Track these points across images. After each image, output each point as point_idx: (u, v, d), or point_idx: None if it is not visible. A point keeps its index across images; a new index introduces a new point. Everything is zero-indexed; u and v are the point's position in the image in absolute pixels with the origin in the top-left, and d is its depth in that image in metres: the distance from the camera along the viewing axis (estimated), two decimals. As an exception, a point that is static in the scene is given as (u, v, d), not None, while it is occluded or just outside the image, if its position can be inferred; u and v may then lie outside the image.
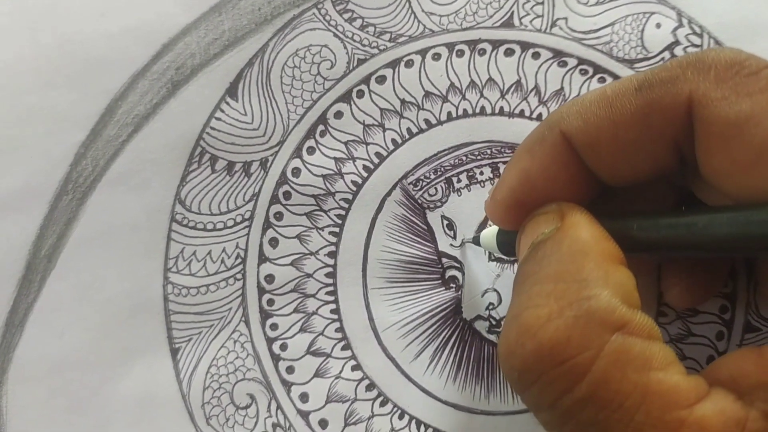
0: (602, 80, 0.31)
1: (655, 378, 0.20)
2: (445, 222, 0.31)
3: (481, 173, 0.31)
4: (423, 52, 0.32)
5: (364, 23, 0.32)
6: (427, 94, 0.31)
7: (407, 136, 0.31)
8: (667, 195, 0.27)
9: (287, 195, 0.31)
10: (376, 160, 0.31)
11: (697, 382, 0.20)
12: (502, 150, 0.31)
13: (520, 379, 0.21)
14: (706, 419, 0.19)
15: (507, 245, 0.27)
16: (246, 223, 0.31)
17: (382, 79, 0.32)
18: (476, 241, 0.30)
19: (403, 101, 0.31)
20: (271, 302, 0.31)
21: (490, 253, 0.31)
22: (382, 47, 0.32)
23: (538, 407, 0.21)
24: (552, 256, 0.22)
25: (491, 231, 0.28)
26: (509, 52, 0.31)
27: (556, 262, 0.22)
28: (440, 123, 0.31)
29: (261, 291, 0.31)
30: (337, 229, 0.31)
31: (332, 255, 0.31)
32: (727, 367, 0.22)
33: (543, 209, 0.24)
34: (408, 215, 0.31)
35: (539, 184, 0.24)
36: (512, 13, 0.32)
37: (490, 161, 0.31)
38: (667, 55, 0.31)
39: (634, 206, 0.26)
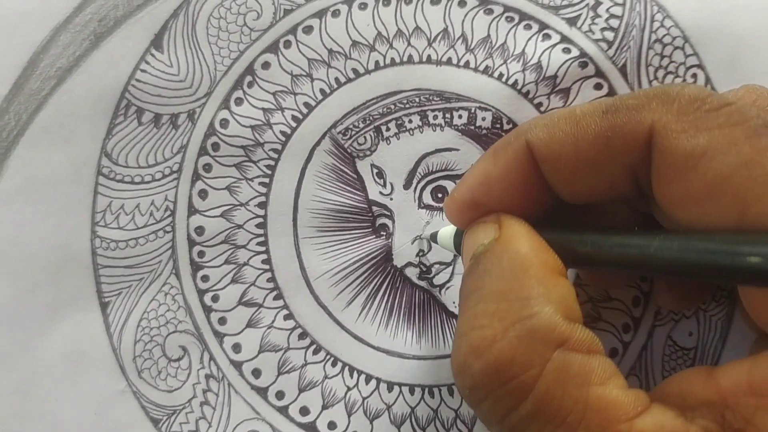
0: (528, 27, 0.31)
1: (594, 393, 0.20)
2: (375, 170, 0.31)
3: (410, 121, 0.31)
4: (349, 2, 0.31)
5: (291, -27, 0.32)
6: (355, 44, 0.31)
7: (335, 86, 0.31)
8: (627, 217, 0.27)
9: (216, 146, 0.31)
10: (304, 110, 0.31)
11: (637, 396, 0.21)
12: (431, 98, 0.31)
13: (471, 395, 0.22)
14: None
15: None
16: (174, 176, 0.31)
17: (309, 30, 0.31)
18: (434, 238, 0.30)
19: (330, 51, 0.31)
20: (201, 254, 0.31)
21: (419, 200, 0.31)
22: (308, -3, 0.31)
23: (489, 422, 0.22)
24: (493, 271, 0.23)
25: (449, 230, 0.28)
26: (435, 1, 0.32)
27: (497, 279, 0.22)
28: (368, 72, 0.31)
29: (191, 243, 0.31)
30: (266, 180, 0.31)
31: (262, 205, 0.31)
32: (677, 384, 0.22)
33: (482, 219, 0.25)
34: (337, 164, 0.31)
35: (497, 187, 0.25)
36: (439, -38, 0.32)
37: (419, 109, 0.31)
38: (591, 1, 0.31)
39: (593, 224, 0.27)
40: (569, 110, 0.24)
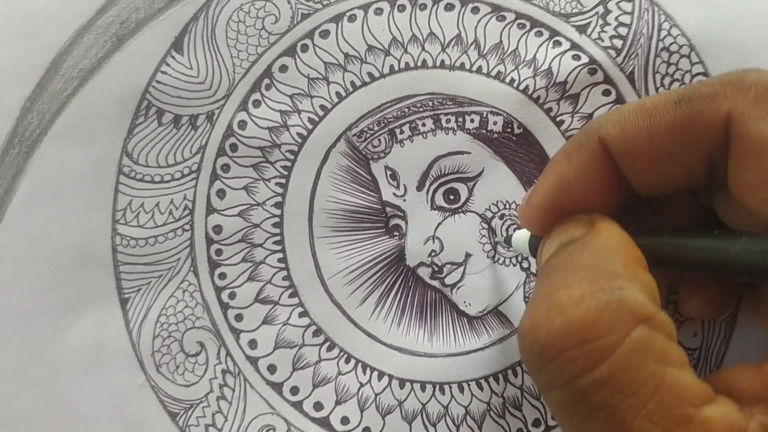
0: (539, 34, 0.32)
1: (671, 373, 0.21)
2: (389, 172, 0.32)
3: (423, 125, 0.32)
4: (365, 7, 0.32)
5: (308, -21, 0.32)
6: (370, 48, 0.32)
7: (351, 89, 0.32)
8: (689, 210, 0.28)
9: (234, 147, 0.32)
10: (320, 113, 0.32)
11: (706, 387, 0.21)
12: (444, 102, 0.32)
13: (542, 352, 0.21)
14: (711, 421, 0.20)
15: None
16: (193, 175, 0.32)
17: (325, 34, 0.32)
18: (508, 241, 0.30)
19: (346, 55, 0.32)
20: (219, 252, 0.32)
21: (432, 202, 0.32)
22: (325, 2, 0.32)
23: (552, 385, 0.22)
24: (584, 250, 0.23)
25: (523, 234, 0.29)
26: (449, 7, 0.32)
27: (588, 255, 0.23)
28: (383, 76, 0.32)
29: (209, 241, 0.32)
30: (283, 180, 0.32)
31: (279, 205, 0.32)
32: (726, 380, 0.23)
33: (574, 217, 0.25)
34: (352, 166, 0.32)
35: (575, 189, 0.25)
36: (453, -31, 0.33)
37: (432, 113, 0.32)
38: (600, 9, 0.32)
39: (658, 217, 0.28)
40: (638, 104, 0.24)
